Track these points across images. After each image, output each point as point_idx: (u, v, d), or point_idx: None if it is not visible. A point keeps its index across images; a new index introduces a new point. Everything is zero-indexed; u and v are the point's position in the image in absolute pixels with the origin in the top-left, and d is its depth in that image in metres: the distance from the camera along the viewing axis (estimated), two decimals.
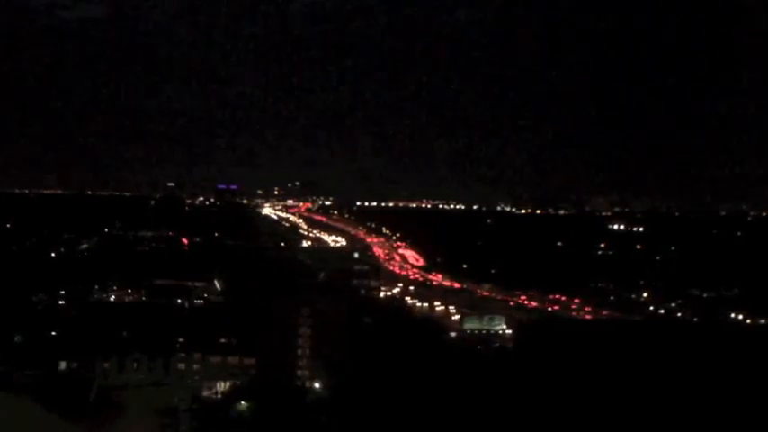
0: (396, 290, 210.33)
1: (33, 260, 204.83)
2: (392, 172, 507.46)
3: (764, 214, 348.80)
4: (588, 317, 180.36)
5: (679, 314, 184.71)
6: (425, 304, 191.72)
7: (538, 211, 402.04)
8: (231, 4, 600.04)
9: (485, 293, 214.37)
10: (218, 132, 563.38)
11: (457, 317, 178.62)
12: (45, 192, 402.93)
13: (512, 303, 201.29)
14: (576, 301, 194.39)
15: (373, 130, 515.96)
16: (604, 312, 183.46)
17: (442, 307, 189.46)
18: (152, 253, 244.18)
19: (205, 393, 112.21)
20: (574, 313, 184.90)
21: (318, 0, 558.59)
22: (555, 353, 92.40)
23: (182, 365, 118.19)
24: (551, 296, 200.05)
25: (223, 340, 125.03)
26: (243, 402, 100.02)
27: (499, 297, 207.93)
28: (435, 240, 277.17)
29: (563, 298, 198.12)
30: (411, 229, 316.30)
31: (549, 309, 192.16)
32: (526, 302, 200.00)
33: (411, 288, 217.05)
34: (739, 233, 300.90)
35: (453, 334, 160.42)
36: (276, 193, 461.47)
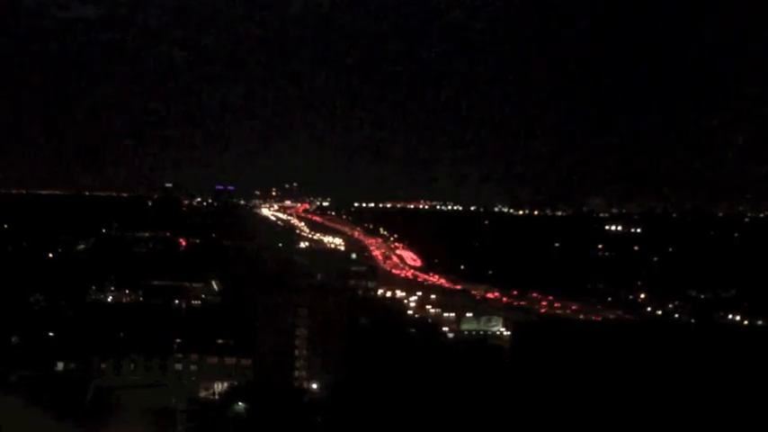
0: (413, 297, 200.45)
1: (30, 261, 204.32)
2: (390, 173, 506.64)
3: (762, 215, 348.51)
4: (558, 312, 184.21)
5: (676, 315, 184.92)
6: (452, 314, 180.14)
7: (535, 212, 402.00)
8: (229, 5, 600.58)
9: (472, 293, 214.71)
10: (216, 133, 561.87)
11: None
12: (42, 192, 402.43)
13: (478, 297, 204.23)
14: (550, 298, 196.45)
15: (371, 130, 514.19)
16: (573, 307, 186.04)
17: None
18: (149, 254, 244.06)
19: (202, 394, 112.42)
20: (543, 310, 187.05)
21: (317, 1, 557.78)
22: (551, 353, 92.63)
23: (179, 366, 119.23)
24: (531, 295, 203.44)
25: (220, 341, 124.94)
26: (240, 403, 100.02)
27: (479, 296, 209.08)
28: (433, 241, 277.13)
29: (536, 295, 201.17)
30: (409, 229, 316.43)
31: (516, 304, 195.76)
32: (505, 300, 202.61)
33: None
34: (737, 234, 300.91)
35: (451, 335, 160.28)
36: (274, 194, 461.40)
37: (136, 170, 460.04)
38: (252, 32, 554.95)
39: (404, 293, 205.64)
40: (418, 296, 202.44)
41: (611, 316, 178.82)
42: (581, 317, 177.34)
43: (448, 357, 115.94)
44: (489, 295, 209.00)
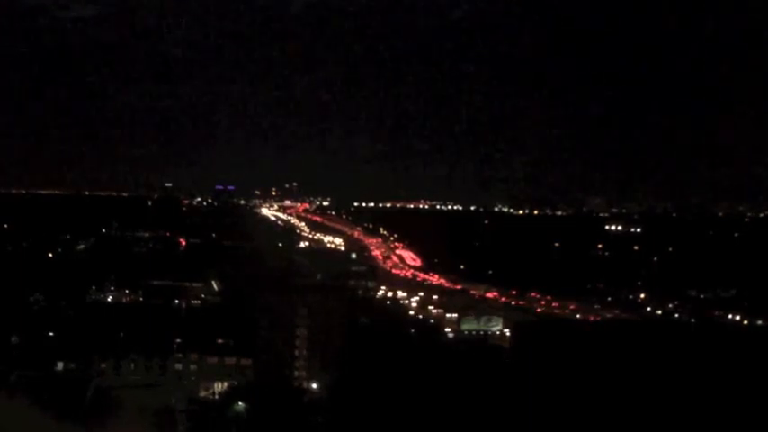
0: (415, 298, 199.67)
1: (30, 261, 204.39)
2: (390, 172, 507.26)
3: (762, 215, 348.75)
4: (557, 312, 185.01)
5: (676, 315, 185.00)
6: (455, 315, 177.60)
7: (535, 212, 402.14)
8: (229, 4, 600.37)
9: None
10: (216, 133, 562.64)
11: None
12: (42, 192, 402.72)
13: (477, 297, 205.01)
14: (548, 298, 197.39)
15: (371, 130, 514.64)
16: (572, 307, 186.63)
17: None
18: (149, 254, 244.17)
19: (202, 394, 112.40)
20: (539, 310, 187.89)
21: (317, 0, 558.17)
22: (551, 353, 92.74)
23: (179, 366, 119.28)
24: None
25: (220, 341, 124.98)
26: (240, 403, 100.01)
27: (478, 296, 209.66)
28: (433, 241, 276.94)
29: (535, 295, 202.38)
30: (409, 229, 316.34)
31: (515, 303, 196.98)
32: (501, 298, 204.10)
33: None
34: (737, 234, 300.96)
35: (451, 335, 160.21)
36: (273, 193, 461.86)
37: (136, 170, 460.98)
38: (252, 32, 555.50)
39: (404, 294, 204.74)
40: (420, 296, 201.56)
41: (609, 315, 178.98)
42: (578, 316, 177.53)
43: (448, 357, 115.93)
44: (488, 295, 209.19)
